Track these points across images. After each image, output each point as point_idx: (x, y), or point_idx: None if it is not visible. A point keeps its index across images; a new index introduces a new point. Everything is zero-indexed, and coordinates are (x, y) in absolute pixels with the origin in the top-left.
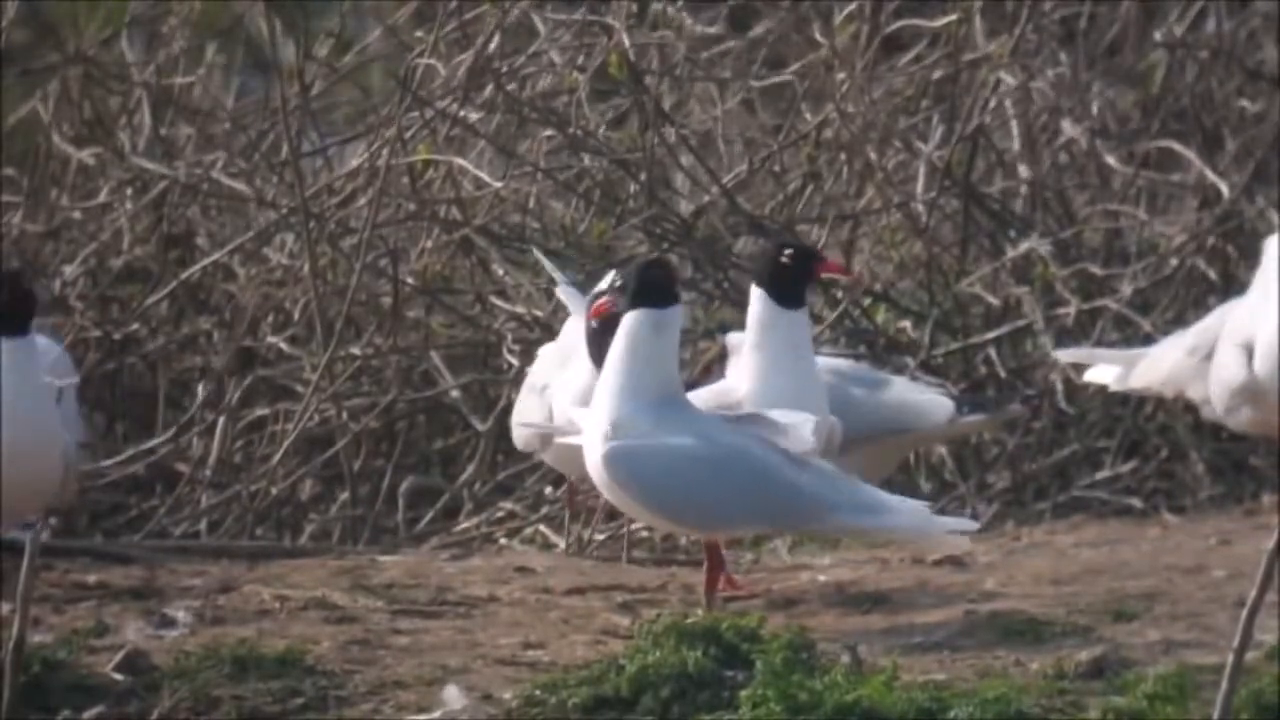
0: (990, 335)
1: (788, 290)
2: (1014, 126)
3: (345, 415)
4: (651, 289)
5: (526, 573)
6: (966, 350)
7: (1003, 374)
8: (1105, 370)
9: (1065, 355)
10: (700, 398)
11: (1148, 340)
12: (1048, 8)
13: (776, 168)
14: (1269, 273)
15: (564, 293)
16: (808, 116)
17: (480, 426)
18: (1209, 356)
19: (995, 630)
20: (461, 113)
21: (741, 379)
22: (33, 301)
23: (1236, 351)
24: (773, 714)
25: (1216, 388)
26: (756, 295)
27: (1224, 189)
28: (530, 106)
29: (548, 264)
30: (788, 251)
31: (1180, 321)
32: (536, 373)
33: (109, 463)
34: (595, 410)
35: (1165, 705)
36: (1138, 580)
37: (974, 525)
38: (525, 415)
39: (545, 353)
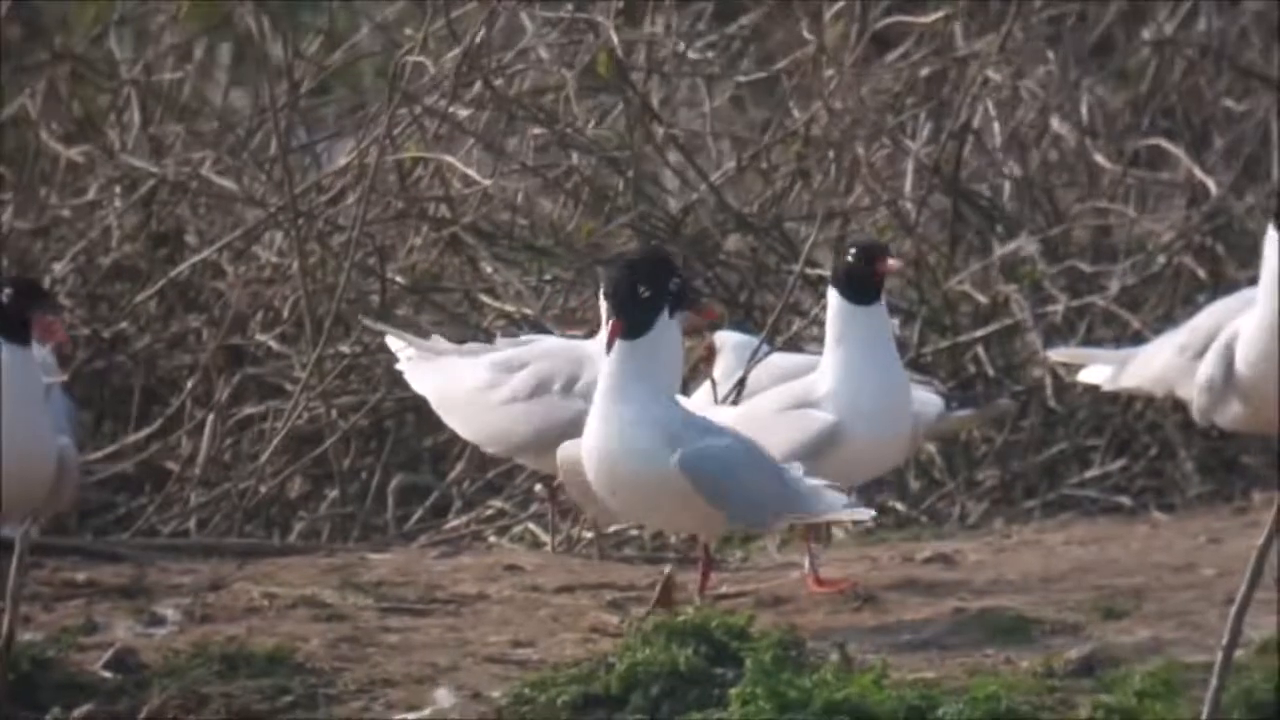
0: (979, 333)
1: (858, 287)
2: (1001, 124)
3: (334, 413)
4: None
5: (516, 571)
6: (955, 348)
7: (991, 372)
8: (1097, 370)
9: (1056, 355)
10: (782, 396)
11: (1137, 338)
12: (1036, 5)
13: (765, 165)
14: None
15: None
16: (795, 114)
17: None
18: (1199, 355)
19: (985, 628)
20: (450, 109)
21: (824, 377)
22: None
23: (1222, 347)
24: (762, 712)
25: (1200, 382)
26: (831, 295)
27: (1212, 187)
28: (518, 104)
29: (398, 339)
30: (853, 250)
31: (1169, 319)
32: (543, 375)
33: (95, 456)
34: (623, 412)
35: (1154, 702)
36: (1127, 578)
37: (869, 513)
38: (543, 419)
39: (547, 353)
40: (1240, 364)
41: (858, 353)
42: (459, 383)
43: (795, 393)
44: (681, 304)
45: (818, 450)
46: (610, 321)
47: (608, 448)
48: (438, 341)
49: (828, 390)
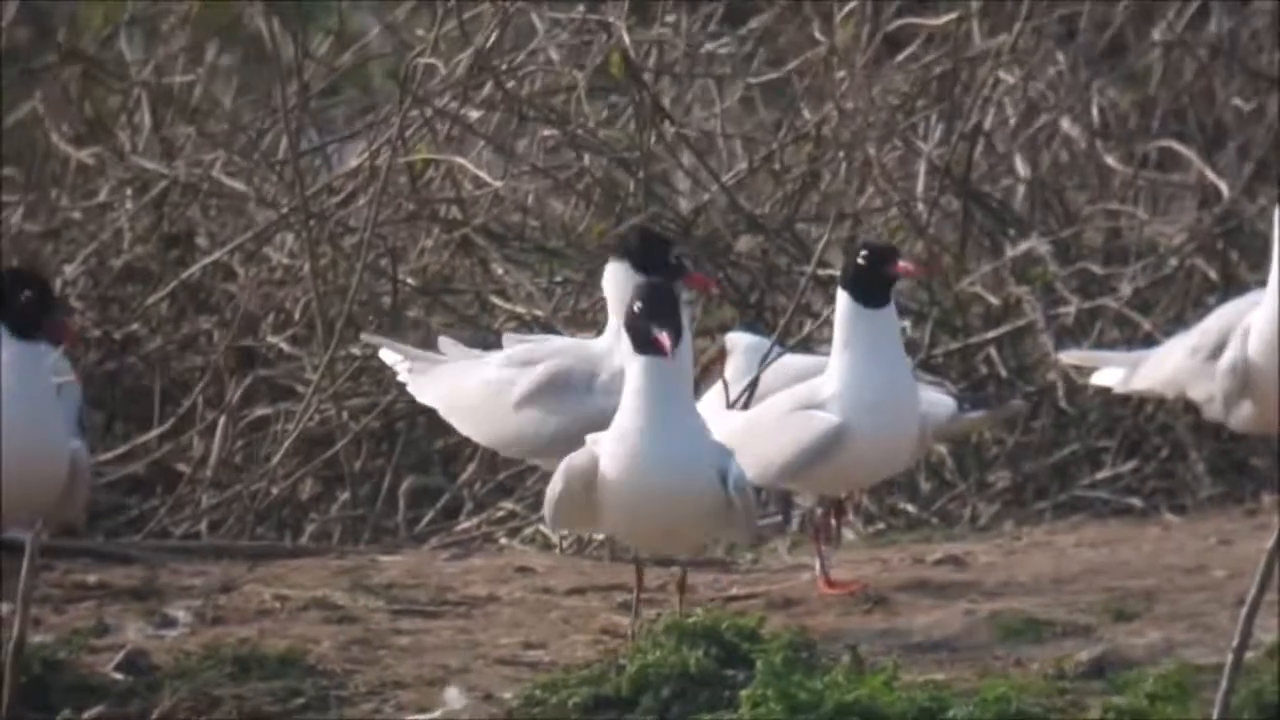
0: (990, 335)
1: (867, 289)
2: (1013, 125)
3: (346, 415)
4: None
5: (527, 572)
6: (966, 350)
7: (1003, 373)
8: (1109, 373)
9: (1067, 357)
10: (789, 399)
11: (1148, 340)
12: (1047, 6)
13: (776, 166)
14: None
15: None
16: (807, 114)
17: None
18: (1210, 357)
19: (995, 630)
20: (461, 111)
21: (830, 379)
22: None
23: (1236, 337)
24: (773, 713)
25: (1223, 367)
26: (840, 297)
27: (1224, 189)
28: (530, 104)
29: (394, 352)
30: (864, 252)
31: (1180, 321)
32: (558, 373)
33: (106, 456)
34: (676, 429)
35: (1165, 705)
36: (1138, 580)
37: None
38: (564, 417)
39: (560, 351)
40: (1252, 354)
41: (864, 355)
42: (468, 387)
43: (801, 395)
44: (681, 273)
45: (823, 452)
46: (663, 335)
47: (656, 465)
48: (439, 349)
49: (833, 392)
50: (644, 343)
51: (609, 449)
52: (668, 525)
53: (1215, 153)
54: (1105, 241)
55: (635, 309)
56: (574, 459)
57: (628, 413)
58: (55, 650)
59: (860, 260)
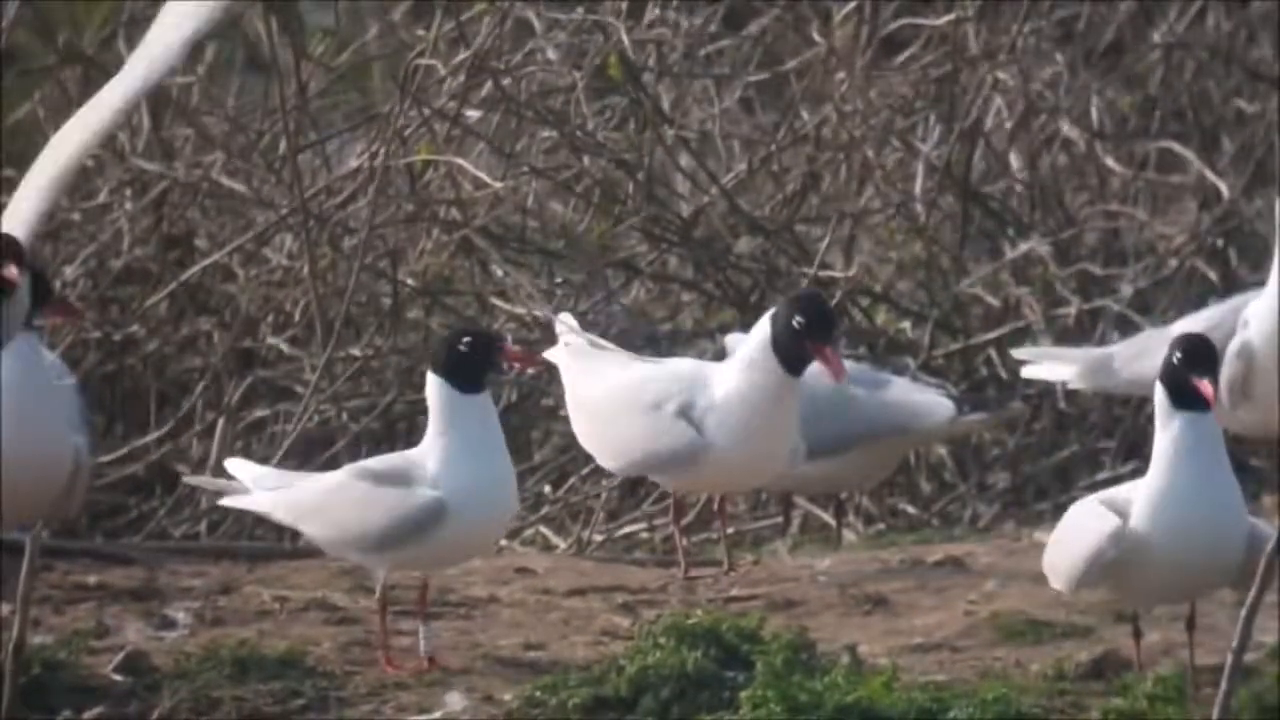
0: (990, 336)
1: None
2: (1012, 125)
3: (345, 416)
4: None
5: (527, 573)
6: (967, 351)
7: (1003, 374)
8: (1056, 368)
9: (1018, 353)
10: None
11: None
12: (1046, 7)
13: (775, 168)
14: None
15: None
16: (805, 116)
17: None
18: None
19: (995, 631)
20: (461, 111)
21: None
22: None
23: (1240, 327)
24: (773, 715)
25: (1232, 350)
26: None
27: (1223, 189)
28: (528, 105)
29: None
30: (466, 339)
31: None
32: (651, 393)
33: (107, 459)
34: None
35: (1165, 706)
36: None
37: None
38: (658, 438)
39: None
40: (1254, 337)
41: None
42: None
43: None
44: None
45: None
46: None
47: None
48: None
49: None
50: (1184, 396)
51: (1142, 509)
52: (1197, 584)
53: (1215, 153)
54: (1105, 242)
55: (1175, 360)
56: (1103, 523)
57: (1163, 471)
58: (55, 651)
59: (461, 347)
